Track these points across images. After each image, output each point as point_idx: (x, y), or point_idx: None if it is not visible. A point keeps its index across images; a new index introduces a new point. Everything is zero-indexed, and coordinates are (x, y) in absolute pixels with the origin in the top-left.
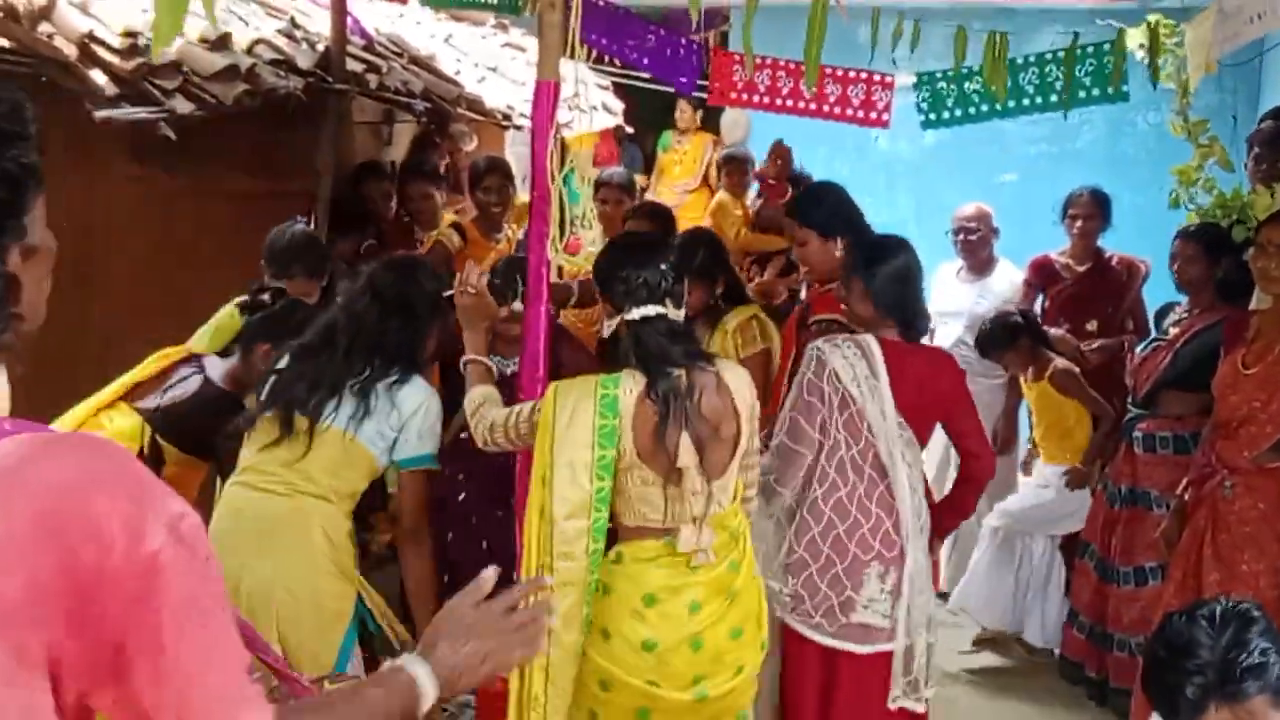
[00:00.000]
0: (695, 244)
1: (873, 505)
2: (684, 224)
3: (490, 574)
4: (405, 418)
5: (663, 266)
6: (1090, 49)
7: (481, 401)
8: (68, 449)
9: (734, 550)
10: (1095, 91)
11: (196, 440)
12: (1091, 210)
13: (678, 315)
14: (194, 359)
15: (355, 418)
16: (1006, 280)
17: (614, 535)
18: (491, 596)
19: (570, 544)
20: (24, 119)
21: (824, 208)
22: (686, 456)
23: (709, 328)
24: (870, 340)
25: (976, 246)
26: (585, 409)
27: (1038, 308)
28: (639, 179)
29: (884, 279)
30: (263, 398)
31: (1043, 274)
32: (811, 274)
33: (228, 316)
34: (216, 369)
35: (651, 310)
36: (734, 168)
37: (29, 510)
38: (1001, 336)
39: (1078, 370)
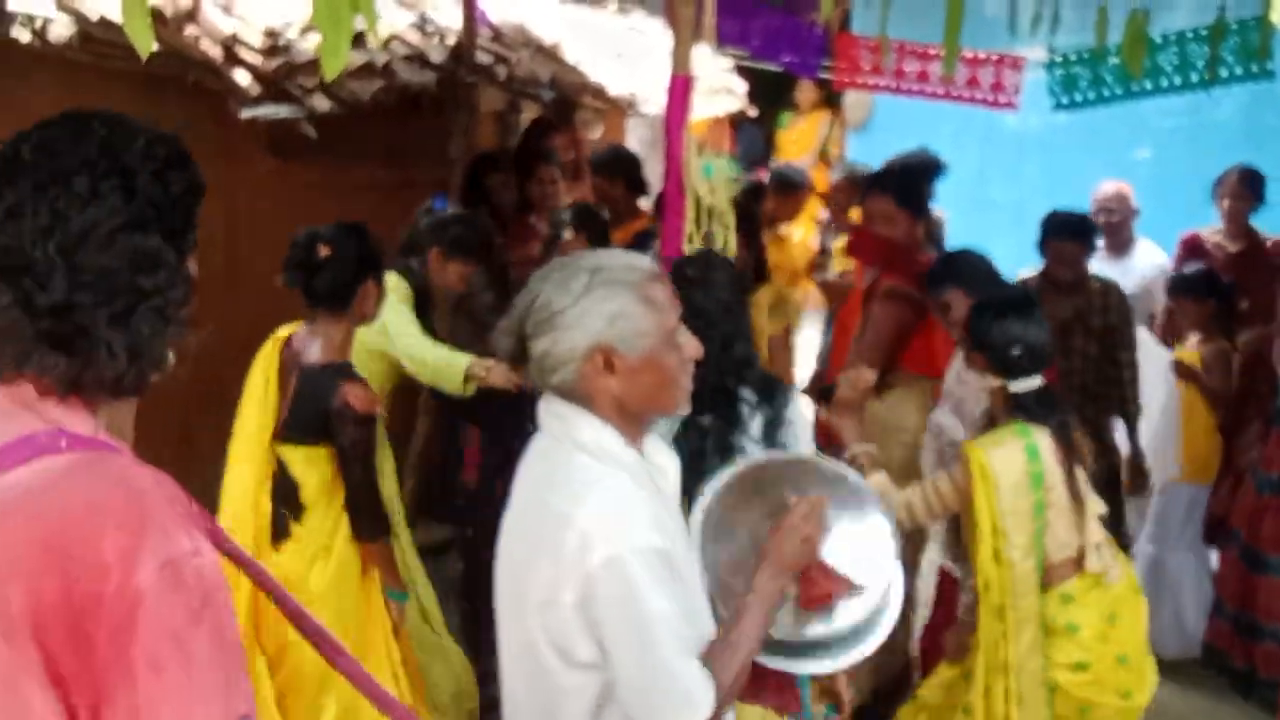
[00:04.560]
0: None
1: None
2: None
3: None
4: None
5: (1044, 321)
6: (1235, 24)
7: (884, 491)
8: (85, 476)
9: (1117, 551)
10: (1238, 70)
11: (310, 428)
12: (1239, 190)
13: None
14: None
15: None
16: (1148, 260)
17: None
18: None
19: (1025, 581)
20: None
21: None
22: (1086, 487)
23: None
24: None
25: (1117, 227)
26: (1018, 459)
27: None
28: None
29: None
30: None
31: (1193, 253)
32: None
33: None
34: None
35: (1037, 382)
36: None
37: (38, 532)
38: (1199, 286)
39: (1232, 356)
